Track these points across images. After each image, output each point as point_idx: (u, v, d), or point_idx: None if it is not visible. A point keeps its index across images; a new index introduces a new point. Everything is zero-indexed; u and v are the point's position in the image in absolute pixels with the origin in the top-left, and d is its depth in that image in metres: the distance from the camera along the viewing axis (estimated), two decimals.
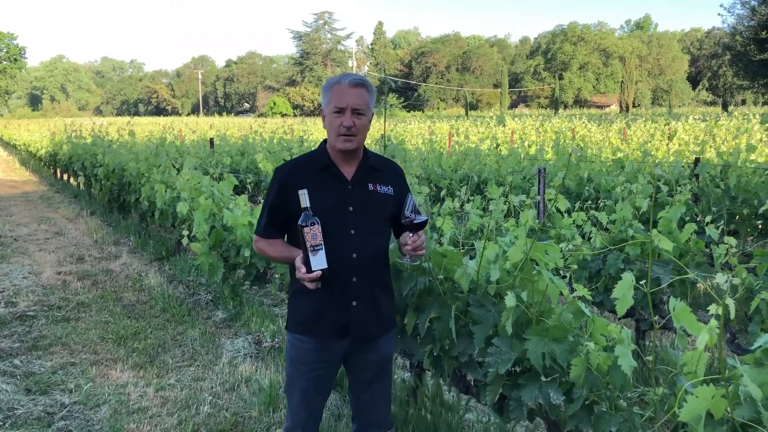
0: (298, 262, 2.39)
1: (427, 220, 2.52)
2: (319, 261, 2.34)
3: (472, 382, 3.22)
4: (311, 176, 2.53)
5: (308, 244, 2.33)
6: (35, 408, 4.09)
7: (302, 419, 2.69)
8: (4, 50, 78.06)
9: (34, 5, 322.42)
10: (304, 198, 2.37)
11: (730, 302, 1.69)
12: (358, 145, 2.53)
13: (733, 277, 1.79)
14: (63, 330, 5.56)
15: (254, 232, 2.70)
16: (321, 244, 2.34)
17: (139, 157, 9.80)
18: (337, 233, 2.46)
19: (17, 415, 3.99)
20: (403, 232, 2.53)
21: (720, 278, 1.71)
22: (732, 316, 1.69)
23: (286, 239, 2.66)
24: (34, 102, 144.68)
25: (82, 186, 14.07)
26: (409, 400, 3.83)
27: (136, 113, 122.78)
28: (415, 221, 2.47)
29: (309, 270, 2.35)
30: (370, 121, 2.56)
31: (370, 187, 2.58)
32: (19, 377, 4.58)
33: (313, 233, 2.33)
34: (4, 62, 78.79)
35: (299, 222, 2.34)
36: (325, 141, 2.64)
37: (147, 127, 37.95)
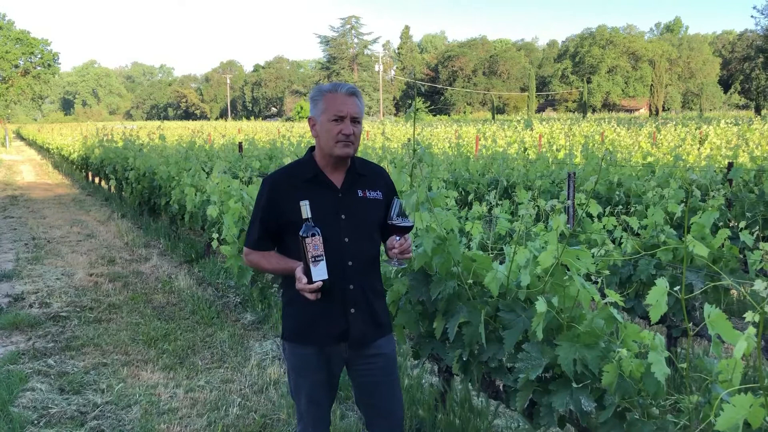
0: (299, 272, 2.39)
1: (412, 225, 2.53)
2: (320, 272, 2.35)
3: (501, 388, 3.20)
4: (300, 186, 2.53)
5: (309, 255, 2.33)
6: (69, 407, 4.17)
7: (312, 422, 2.69)
8: (39, 56, 79.65)
9: (68, 12, 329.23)
10: (305, 209, 2.36)
11: None
12: (355, 152, 2.56)
13: None
14: (95, 331, 5.65)
15: (244, 244, 2.68)
16: (322, 255, 2.34)
17: (170, 161, 9.94)
18: (332, 242, 2.45)
19: (51, 414, 4.07)
20: (390, 235, 2.55)
21: (759, 285, 1.68)
22: None
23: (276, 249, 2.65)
24: (67, 106, 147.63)
25: (113, 189, 14.31)
26: (438, 405, 3.82)
27: (166, 117, 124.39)
28: (400, 225, 2.49)
29: (310, 281, 2.35)
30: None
31: (360, 193, 2.60)
32: (53, 377, 4.67)
33: (315, 244, 2.33)
34: (38, 68, 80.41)
35: (301, 233, 2.33)
36: (311, 149, 2.64)
37: (176, 131, 38.46)
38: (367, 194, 2.61)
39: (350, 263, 2.52)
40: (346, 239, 2.52)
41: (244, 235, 5.68)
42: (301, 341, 2.60)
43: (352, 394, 2.88)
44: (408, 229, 2.51)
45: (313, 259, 2.33)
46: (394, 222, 2.49)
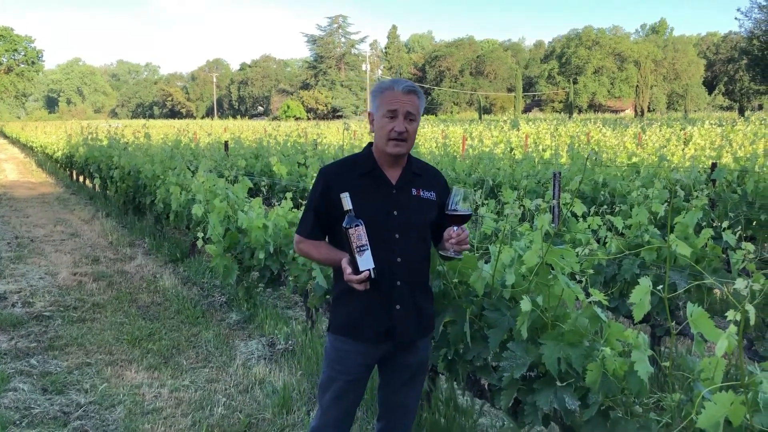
0: (344, 263, 2.41)
1: (471, 214, 2.52)
2: (366, 261, 2.36)
3: (486, 387, 3.20)
4: (356, 179, 2.54)
5: (354, 245, 2.35)
6: (51, 407, 4.13)
7: (334, 419, 2.68)
8: (22, 53, 78.99)
9: (52, 9, 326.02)
10: (346, 201, 2.39)
11: (750, 308, 1.68)
12: (407, 150, 2.55)
13: (751, 282, 1.77)
14: (79, 330, 5.61)
15: (296, 232, 2.69)
16: (366, 245, 2.36)
17: (155, 160, 9.88)
18: (382, 237, 2.47)
19: (34, 414, 4.03)
20: (447, 226, 2.52)
21: (740, 283, 1.69)
22: (752, 322, 1.68)
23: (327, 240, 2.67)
24: (51, 104, 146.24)
25: (97, 188, 14.19)
26: (423, 404, 3.82)
27: (151, 116, 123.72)
28: (459, 213, 2.47)
29: (356, 271, 2.36)
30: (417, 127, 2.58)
31: (414, 191, 2.60)
32: (35, 377, 4.62)
33: (358, 234, 2.35)
34: (22, 65, 79.75)
35: (343, 224, 2.36)
36: (370, 144, 2.65)
37: (162, 129, 38.17)
38: (422, 194, 2.61)
39: (399, 260, 2.52)
40: (397, 236, 2.52)
41: (229, 235, 5.68)
42: (345, 335, 2.61)
43: (377, 381, 2.88)
44: (466, 218, 2.49)
45: (358, 249, 2.35)
46: (454, 211, 2.47)
